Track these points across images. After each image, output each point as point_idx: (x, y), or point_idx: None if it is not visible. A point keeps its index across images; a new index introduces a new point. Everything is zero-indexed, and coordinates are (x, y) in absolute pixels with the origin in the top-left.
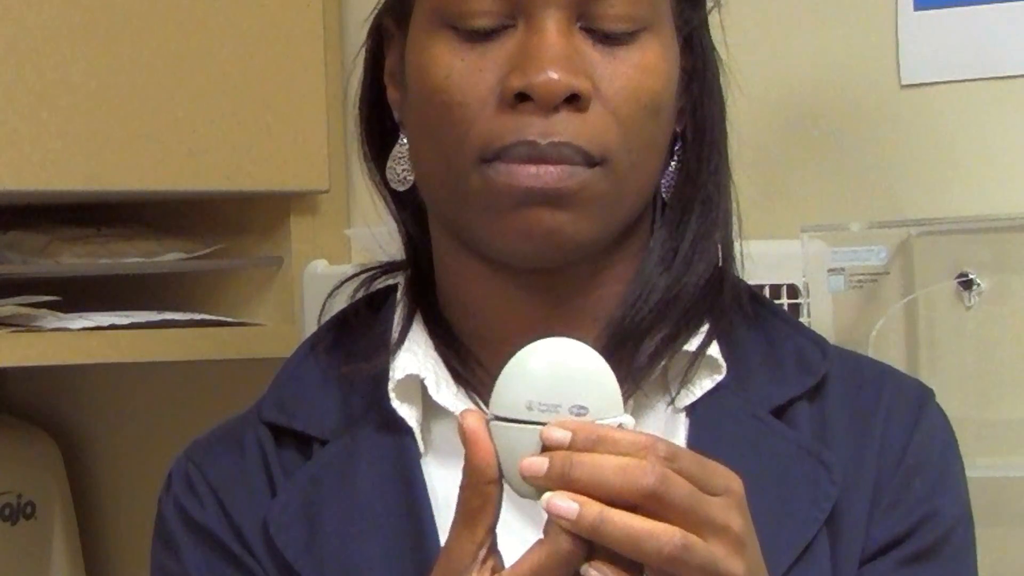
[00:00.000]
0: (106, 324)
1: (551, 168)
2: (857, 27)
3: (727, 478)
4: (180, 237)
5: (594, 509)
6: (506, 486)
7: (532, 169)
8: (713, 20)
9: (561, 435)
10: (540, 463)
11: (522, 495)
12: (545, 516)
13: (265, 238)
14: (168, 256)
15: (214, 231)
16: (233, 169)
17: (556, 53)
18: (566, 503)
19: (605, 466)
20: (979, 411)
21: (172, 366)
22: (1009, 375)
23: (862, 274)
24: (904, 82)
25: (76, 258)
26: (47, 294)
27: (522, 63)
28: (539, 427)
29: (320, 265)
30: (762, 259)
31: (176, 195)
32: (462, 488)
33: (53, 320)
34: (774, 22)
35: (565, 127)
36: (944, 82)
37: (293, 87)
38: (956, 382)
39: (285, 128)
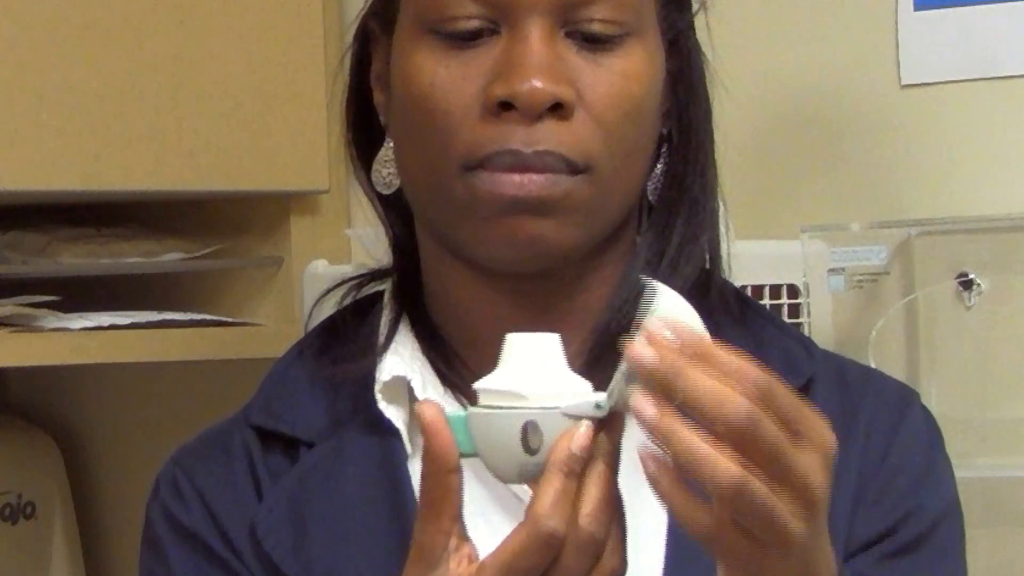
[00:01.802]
0: (106, 324)
1: (535, 177)
2: (857, 27)
3: (822, 433)
4: (180, 237)
5: (669, 423)
6: (487, 472)
7: (516, 178)
8: (700, 22)
9: (669, 337)
10: (650, 354)
11: (504, 481)
12: (523, 499)
13: (265, 238)
14: (168, 256)
15: (214, 231)
16: (233, 169)
17: (540, 61)
18: (650, 407)
19: (703, 388)
20: (979, 411)
21: (172, 366)
22: (1009, 375)
23: (862, 274)
24: (904, 82)
25: (76, 258)
26: (47, 294)
27: (506, 71)
28: (519, 412)
29: (320, 265)
30: (762, 259)
31: (176, 195)
32: (423, 478)
33: (53, 320)
34: (774, 23)
35: (549, 136)
36: (944, 82)
37: (293, 87)
38: (956, 382)
39: (285, 128)
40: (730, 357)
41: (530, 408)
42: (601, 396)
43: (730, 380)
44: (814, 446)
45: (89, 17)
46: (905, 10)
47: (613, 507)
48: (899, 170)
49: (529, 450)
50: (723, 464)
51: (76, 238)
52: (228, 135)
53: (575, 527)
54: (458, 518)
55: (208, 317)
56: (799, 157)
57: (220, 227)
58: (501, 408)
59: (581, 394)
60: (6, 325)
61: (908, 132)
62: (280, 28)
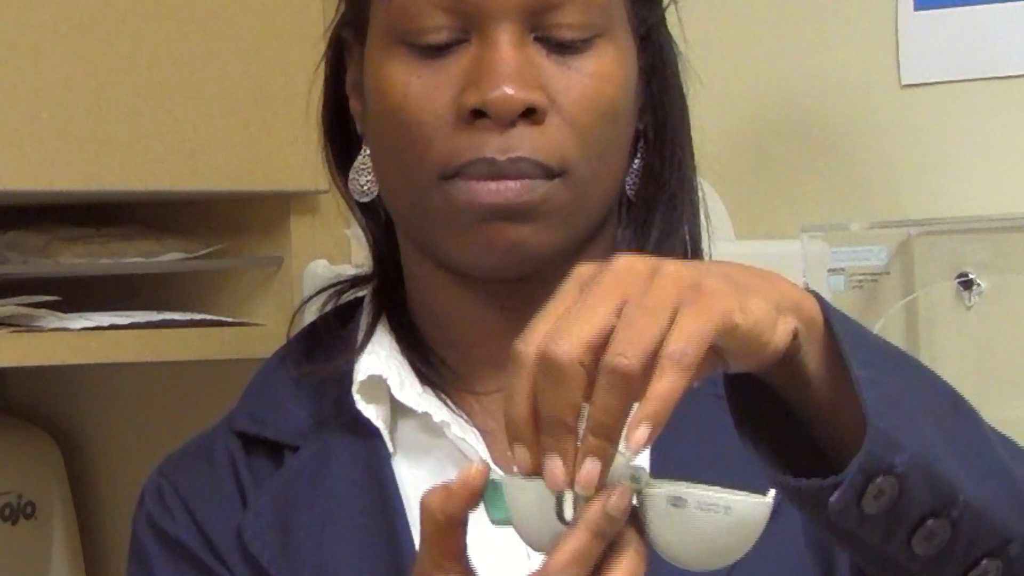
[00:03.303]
0: (106, 324)
1: (511, 183)
2: (857, 27)
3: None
4: (180, 237)
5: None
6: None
7: (492, 186)
8: (673, 17)
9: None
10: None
11: (536, 549)
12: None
13: (265, 238)
14: (168, 256)
15: (214, 231)
16: (233, 169)
17: (510, 68)
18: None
19: (600, 405)
20: (979, 411)
21: (172, 366)
22: (1009, 375)
23: (862, 274)
24: (904, 82)
25: (76, 258)
26: (47, 294)
27: (477, 79)
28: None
29: (320, 265)
30: (762, 259)
31: (176, 195)
32: (426, 519)
33: (53, 320)
34: (774, 23)
35: (522, 142)
36: (944, 82)
37: (293, 87)
38: (956, 382)
39: (285, 128)
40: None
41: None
42: (640, 467)
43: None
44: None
45: (89, 17)
46: (905, 10)
47: None
48: (899, 170)
49: (563, 520)
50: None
51: (76, 238)
52: (228, 135)
53: None
54: (461, 558)
55: (208, 317)
56: (799, 157)
57: (220, 227)
58: (538, 476)
59: (618, 463)
60: (6, 325)
61: (908, 132)
62: (280, 28)
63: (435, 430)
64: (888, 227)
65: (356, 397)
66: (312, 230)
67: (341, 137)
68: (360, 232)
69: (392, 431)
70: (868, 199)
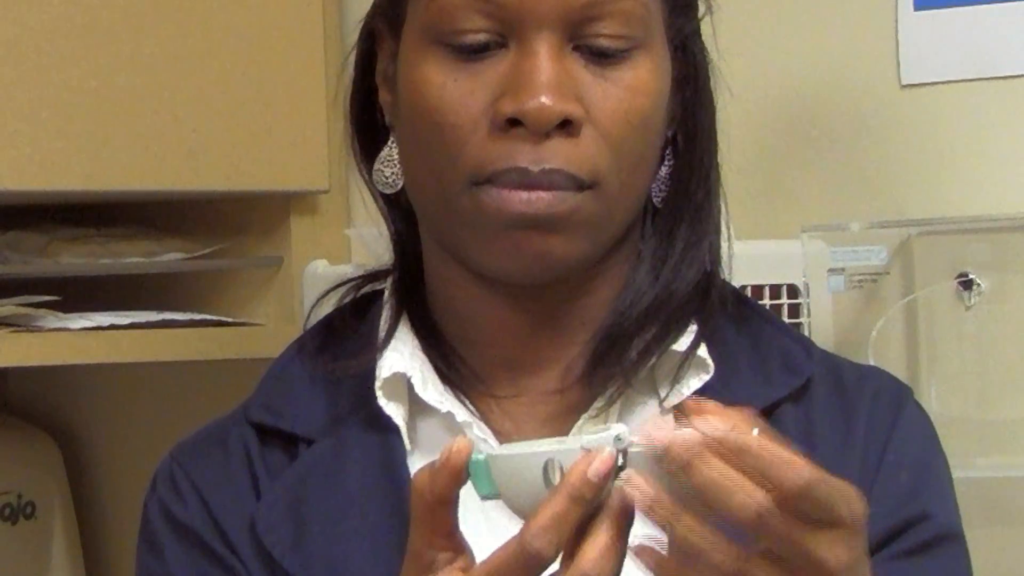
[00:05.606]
0: (106, 324)
1: (542, 194)
2: (857, 27)
3: (852, 505)
4: (180, 237)
5: (668, 509)
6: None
7: (524, 195)
8: (706, 24)
9: (713, 428)
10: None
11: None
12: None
13: (265, 238)
14: (168, 256)
15: (214, 231)
16: (233, 169)
17: (548, 78)
18: (646, 489)
19: (725, 479)
20: (979, 411)
21: (172, 366)
22: (1009, 375)
23: (862, 274)
24: (904, 82)
25: (76, 258)
26: (47, 294)
27: (514, 88)
28: (540, 451)
29: (320, 265)
30: (762, 259)
31: (176, 195)
32: (419, 496)
33: (53, 320)
34: (774, 22)
35: (556, 153)
36: (944, 82)
37: (293, 87)
38: (956, 382)
39: (285, 128)
40: (766, 446)
41: (550, 447)
42: (621, 428)
43: (766, 467)
44: (841, 522)
45: (89, 17)
46: (905, 10)
47: (619, 560)
48: (899, 170)
49: (551, 489)
50: (725, 553)
51: (76, 238)
52: (228, 135)
53: (577, 569)
54: (451, 535)
55: (208, 317)
56: (799, 157)
57: (220, 227)
58: (522, 449)
59: (600, 430)
60: (6, 325)
61: (908, 132)
62: (280, 28)
63: (455, 430)
64: (888, 227)
65: (379, 394)
66: (312, 230)
67: (367, 128)
68: (360, 232)
69: (410, 429)
70: (868, 199)
